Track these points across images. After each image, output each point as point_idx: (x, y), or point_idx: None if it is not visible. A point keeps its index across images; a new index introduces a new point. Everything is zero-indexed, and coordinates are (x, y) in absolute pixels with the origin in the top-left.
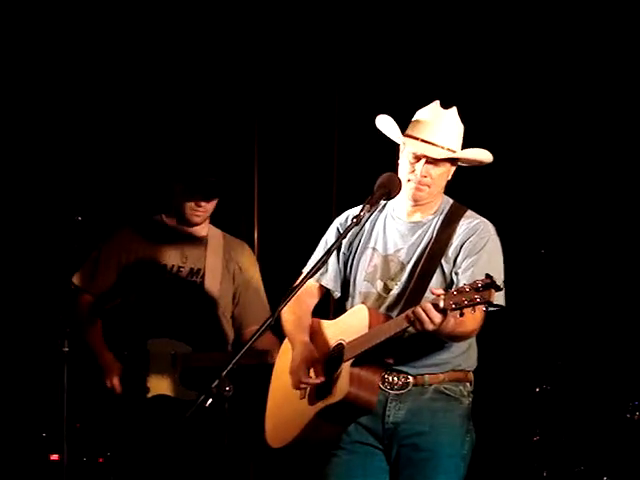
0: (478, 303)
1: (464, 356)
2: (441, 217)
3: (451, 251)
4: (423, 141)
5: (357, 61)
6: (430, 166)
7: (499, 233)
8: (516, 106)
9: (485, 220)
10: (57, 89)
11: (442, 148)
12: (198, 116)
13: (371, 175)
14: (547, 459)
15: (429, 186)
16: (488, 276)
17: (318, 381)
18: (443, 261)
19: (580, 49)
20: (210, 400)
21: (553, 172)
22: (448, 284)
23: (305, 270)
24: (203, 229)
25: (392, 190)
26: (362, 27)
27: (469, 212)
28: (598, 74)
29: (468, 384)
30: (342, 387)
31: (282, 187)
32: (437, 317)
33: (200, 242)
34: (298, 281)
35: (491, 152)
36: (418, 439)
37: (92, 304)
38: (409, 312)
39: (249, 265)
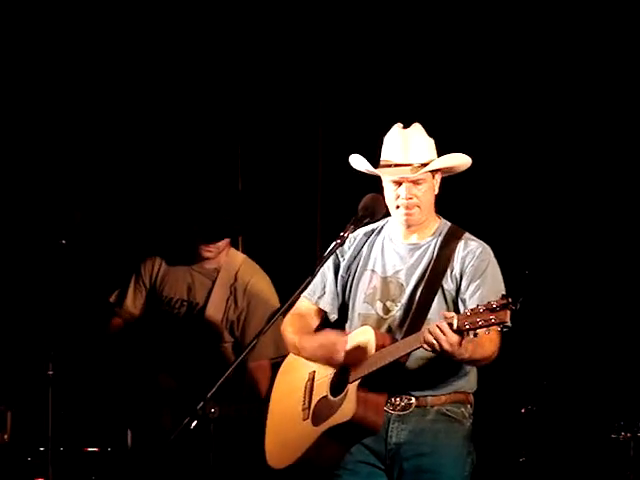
0: (493, 324)
1: (466, 378)
2: (439, 239)
3: (452, 275)
4: (397, 165)
5: (341, 79)
6: (412, 186)
7: None
8: (503, 123)
9: (483, 243)
10: (45, 108)
11: (415, 166)
12: (182, 140)
13: (355, 195)
14: None
15: (418, 206)
16: (504, 297)
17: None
18: (444, 283)
19: (559, 63)
20: (195, 422)
21: (537, 193)
22: (449, 308)
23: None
24: (213, 262)
25: (376, 211)
26: (345, 47)
27: (467, 234)
28: (584, 89)
29: (469, 406)
30: (349, 408)
31: (266, 209)
32: (453, 337)
33: (210, 276)
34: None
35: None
36: (420, 460)
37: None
38: (425, 332)
39: (257, 291)
